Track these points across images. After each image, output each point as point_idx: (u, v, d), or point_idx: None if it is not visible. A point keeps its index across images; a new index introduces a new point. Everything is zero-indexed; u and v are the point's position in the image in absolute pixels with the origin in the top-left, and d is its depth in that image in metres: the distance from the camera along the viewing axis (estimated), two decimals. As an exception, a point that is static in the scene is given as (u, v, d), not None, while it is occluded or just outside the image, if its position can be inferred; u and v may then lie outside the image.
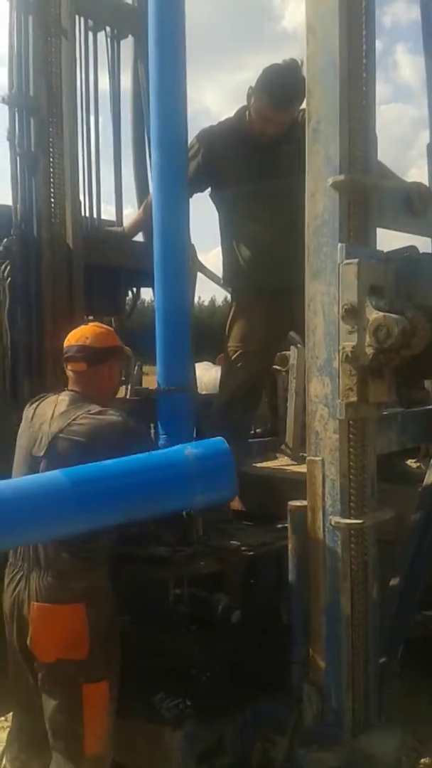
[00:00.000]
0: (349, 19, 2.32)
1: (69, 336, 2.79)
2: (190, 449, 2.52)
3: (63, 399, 2.71)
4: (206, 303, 36.36)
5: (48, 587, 2.54)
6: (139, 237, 3.91)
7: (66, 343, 2.78)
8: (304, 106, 2.48)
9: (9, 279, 3.11)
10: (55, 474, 2.39)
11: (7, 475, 2.68)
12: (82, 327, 2.87)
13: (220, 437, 2.56)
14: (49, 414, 2.68)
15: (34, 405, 2.80)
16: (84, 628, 2.52)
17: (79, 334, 2.78)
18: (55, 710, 2.56)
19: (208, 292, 48.17)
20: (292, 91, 3.06)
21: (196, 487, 2.50)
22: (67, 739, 2.55)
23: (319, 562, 2.40)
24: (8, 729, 3.00)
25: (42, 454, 2.60)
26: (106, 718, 2.58)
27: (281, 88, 3.11)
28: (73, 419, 2.60)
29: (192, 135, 3.23)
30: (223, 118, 3.48)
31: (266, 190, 3.20)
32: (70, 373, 2.80)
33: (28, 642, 2.56)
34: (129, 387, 4.21)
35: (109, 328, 2.92)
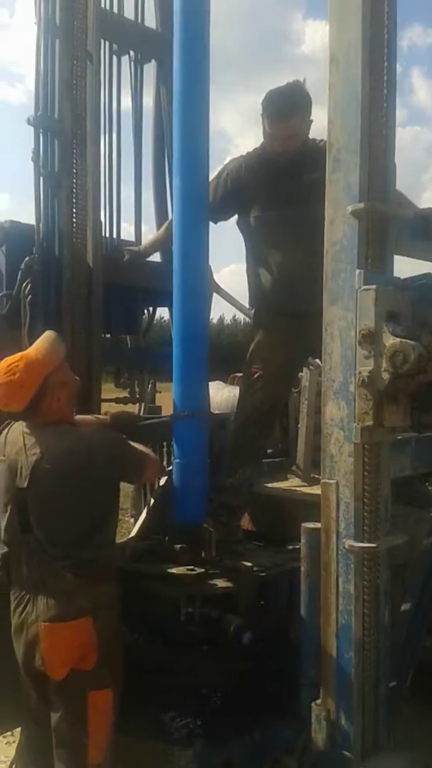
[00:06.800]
0: (371, 50, 2.36)
1: None
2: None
3: (27, 427, 2.68)
4: (215, 321, 36.49)
5: (54, 607, 2.56)
6: (156, 257, 3.97)
7: None
8: (324, 137, 2.52)
9: (30, 297, 3.15)
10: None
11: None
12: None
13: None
14: (21, 443, 2.66)
15: (5, 433, 2.77)
16: (92, 639, 2.55)
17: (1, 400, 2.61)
18: (62, 718, 2.59)
19: (217, 311, 48.32)
20: (289, 102, 3.19)
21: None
22: (71, 748, 2.58)
23: (331, 585, 2.41)
24: (15, 744, 3.01)
25: (26, 485, 2.60)
26: (109, 727, 2.61)
27: (279, 100, 3.20)
28: (48, 446, 2.60)
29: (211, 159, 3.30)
30: (238, 139, 3.57)
31: (290, 217, 3.24)
32: None
33: (35, 662, 2.59)
34: (143, 405, 4.25)
35: (18, 366, 2.56)
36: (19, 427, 2.72)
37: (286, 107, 3.20)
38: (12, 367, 2.58)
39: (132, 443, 2.79)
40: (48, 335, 2.74)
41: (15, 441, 2.69)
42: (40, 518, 2.61)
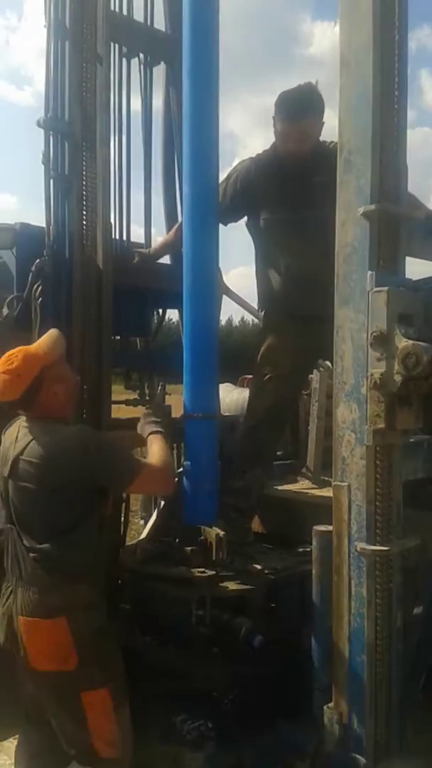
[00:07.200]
0: (382, 52, 2.35)
1: None
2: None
3: (25, 421, 2.72)
4: (223, 323, 36.31)
5: (31, 601, 2.58)
6: (166, 259, 3.96)
7: None
8: (335, 139, 2.52)
9: (40, 299, 3.15)
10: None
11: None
12: None
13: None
14: (14, 436, 2.71)
15: (6, 427, 2.82)
16: (68, 640, 2.54)
17: None
18: (62, 720, 2.62)
19: (225, 313, 48.28)
20: (303, 103, 3.22)
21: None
22: (78, 746, 2.62)
23: (343, 588, 2.40)
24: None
25: (7, 475, 2.65)
26: (112, 724, 2.60)
27: (292, 101, 3.23)
28: (30, 441, 2.62)
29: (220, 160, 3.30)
30: (247, 140, 3.57)
31: (300, 219, 3.24)
32: None
33: (17, 651, 2.61)
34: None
35: (17, 357, 2.63)
36: (17, 423, 2.76)
37: (300, 108, 3.22)
38: (11, 357, 2.66)
39: (136, 450, 2.80)
40: (51, 332, 2.80)
41: (11, 433, 2.74)
42: (16, 509, 2.64)
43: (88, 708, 2.56)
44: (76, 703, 2.56)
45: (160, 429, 2.88)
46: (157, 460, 2.72)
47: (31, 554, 2.58)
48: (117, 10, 3.83)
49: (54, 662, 2.55)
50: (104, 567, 2.76)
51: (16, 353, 2.66)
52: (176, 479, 3.02)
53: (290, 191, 3.28)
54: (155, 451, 2.76)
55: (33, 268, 3.19)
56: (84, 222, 3.22)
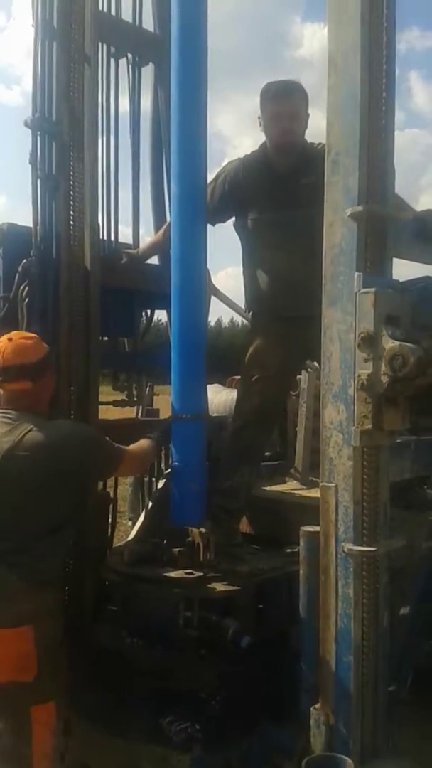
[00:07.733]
0: (370, 53, 2.35)
1: None
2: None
3: (5, 418, 2.69)
4: (213, 323, 36.37)
5: None
6: (154, 260, 3.96)
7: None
8: (323, 141, 2.52)
9: (27, 299, 3.13)
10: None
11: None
12: (7, 343, 2.73)
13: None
14: None
15: None
16: (32, 650, 2.52)
17: (12, 352, 2.68)
18: (4, 732, 2.58)
19: (215, 313, 48.27)
20: (289, 86, 3.32)
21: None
22: (14, 761, 2.56)
23: (330, 589, 2.40)
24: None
25: None
26: (53, 738, 2.60)
27: (278, 84, 3.33)
28: (25, 434, 2.60)
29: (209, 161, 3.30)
30: (236, 141, 3.60)
31: (287, 220, 3.25)
32: (7, 394, 2.74)
33: None
34: (140, 408, 4.24)
35: (31, 334, 2.85)
36: None
37: (287, 88, 3.31)
38: (21, 333, 2.83)
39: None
40: None
41: None
42: (1, 508, 2.59)
43: (35, 721, 2.53)
44: (24, 716, 2.53)
45: (152, 437, 3.11)
46: (138, 447, 2.97)
47: (10, 556, 2.54)
48: (105, 10, 3.82)
49: (12, 673, 2.52)
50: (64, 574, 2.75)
51: (22, 332, 2.84)
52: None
53: (278, 192, 3.29)
54: (141, 443, 3.00)
55: (19, 269, 3.17)
56: (71, 222, 3.22)
